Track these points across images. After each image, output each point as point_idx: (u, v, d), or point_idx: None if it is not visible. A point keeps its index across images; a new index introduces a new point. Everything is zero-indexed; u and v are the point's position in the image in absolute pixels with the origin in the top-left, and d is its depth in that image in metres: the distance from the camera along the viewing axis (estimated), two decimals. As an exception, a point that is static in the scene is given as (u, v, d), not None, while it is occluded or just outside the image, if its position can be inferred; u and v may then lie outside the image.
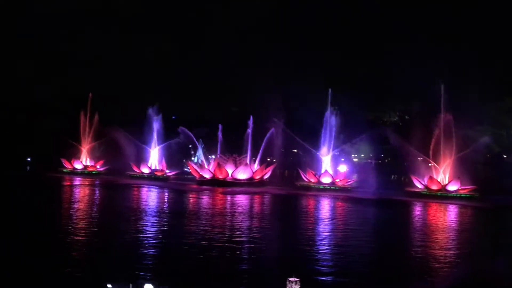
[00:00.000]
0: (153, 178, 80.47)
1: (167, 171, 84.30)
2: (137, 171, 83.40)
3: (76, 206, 45.12)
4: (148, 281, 13.44)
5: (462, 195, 62.50)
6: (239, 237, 30.83)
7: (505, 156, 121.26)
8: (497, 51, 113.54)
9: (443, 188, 64.24)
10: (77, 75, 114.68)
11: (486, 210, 52.83)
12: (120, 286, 13.70)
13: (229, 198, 57.50)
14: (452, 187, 63.77)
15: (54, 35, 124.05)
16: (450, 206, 54.91)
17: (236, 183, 71.65)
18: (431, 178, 65.70)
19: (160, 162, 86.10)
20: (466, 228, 41.10)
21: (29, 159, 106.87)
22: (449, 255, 27.83)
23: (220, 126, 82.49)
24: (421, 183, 66.49)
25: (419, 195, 63.23)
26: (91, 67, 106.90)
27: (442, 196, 62.31)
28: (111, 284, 13.48)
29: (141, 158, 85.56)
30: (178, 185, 72.51)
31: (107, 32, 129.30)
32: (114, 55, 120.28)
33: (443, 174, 67.19)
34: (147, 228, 33.22)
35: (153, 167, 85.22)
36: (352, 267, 23.92)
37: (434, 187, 64.59)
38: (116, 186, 66.79)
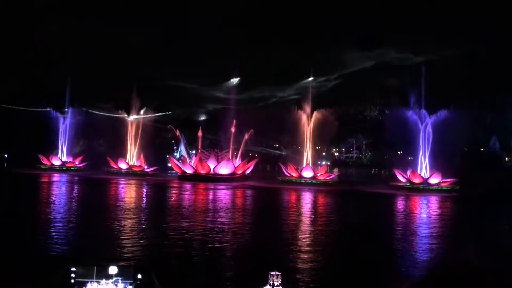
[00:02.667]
0: (131, 174, 78.81)
1: (145, 166, 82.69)
2: (115, 166, 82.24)
3: (53, 203, 44.28)
4: (113, 264, 13.14)
5: (443, 188, 63.56)
6: (220, 232, 30.68)
7: (482, 149, 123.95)
8: (486, 46, 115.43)
9: (425, 181, 65.28)
10: (53, 68, 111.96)
11: (463, 202, 53.89)
12: (85, 268, 13.38)
13: (211, 193, 57.24)
14: (434, 180, 64.80)
15: (29, 27, 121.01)
16: (430, 198, 55.84)
17: (218, 178, 71.36)
18: (413, 171, 66.74)
19: (138, 157, 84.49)
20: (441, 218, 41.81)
21: (6, 155, 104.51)
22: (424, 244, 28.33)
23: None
24: (404, 177, 67.47)
25: (402, 189, 64.15)
26: (66, 60, 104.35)
27: (424, 189, 63.33)
28: (76, 267, 13.15)
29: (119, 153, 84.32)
30: (158, 180, 71.83)
31: (84, 24, 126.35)
32: (91, 48, 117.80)
33: (425, 168, 68.25)
34: (126, 224, 32.83)
35: (130, 163, 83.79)
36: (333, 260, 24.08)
37: (416, 181, 65.54)
38: (95, 183, 65.84)
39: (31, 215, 34.93)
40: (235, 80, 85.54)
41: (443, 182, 64.46)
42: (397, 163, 71.87)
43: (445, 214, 45.55)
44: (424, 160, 68.36)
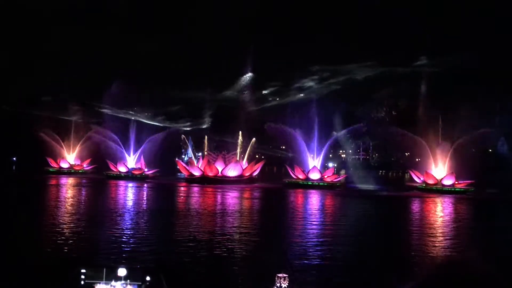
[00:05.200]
0: (131, 177, 77.27)
1: (146, 169, 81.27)
2: (115, 170, 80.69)
3: (59, 206, 44.43)
4: (122, 265, 13.20)
5: (457, 189, 63.60)
6: (229, 235, 30.69)
7: (490, 150, 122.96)
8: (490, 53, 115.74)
9: (439, 182, 65.43)
10: (59, 73, 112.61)
11: (471, 203, 53.69)
12: (94, 270, 13.45)
13: (221, 195, 57.04)
14: (448, 182, 64.98)
15: (37, 32, 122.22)
16: (439, 199, 55.56)
17: (225, 180, 71.31)
18: (427, 173, 67.23)
19: (138, 160, 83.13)
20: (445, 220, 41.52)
21: (14, 158, 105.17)
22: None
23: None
24: (420, 178, 67.84)
25: (416, 189, 64.84)
26: (72, 65, 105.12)
27: (438, 190, 63.46)
28: (85, 269, 13.20)
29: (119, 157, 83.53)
30: (164, 183, 71.33)
31: (91, 30, 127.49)
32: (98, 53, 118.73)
33: (438, 169, 68.66)
34: (134, 227, 32.91)
35: (130, 166, 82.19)
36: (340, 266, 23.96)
37: (431, 182, 66.03)
38: (100, 186, 65.74)
39: (32, 220, 34.83)
40: (248, 77, 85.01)
41: (458, 183, 64.59)
42: (406, 165, 72.05)
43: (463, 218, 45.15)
44: (437, 162, 68.62)
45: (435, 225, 38.42)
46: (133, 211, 41.68)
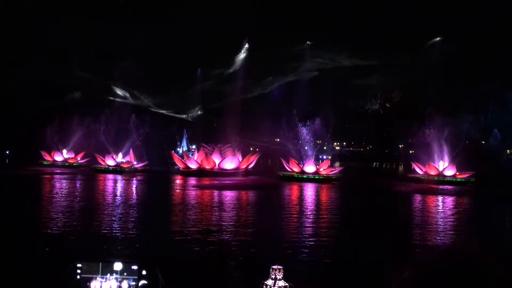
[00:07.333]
0: (119, 171, 75.49)
1: (135, 162, 80.00)
2: (103, 163, 79.43)
3: (51, 201, 44.15)
4: (118, 259, 13.01)
5: (458, 180, 65.01)
6: (225, 228, 30.66)
7: (483, 142, 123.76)
8: (475, 41, 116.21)
9: (440, 173, 66.78)
10: (52, 66, 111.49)
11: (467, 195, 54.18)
12: (90, 264, 13.21)
13: (218, 189, 56.79)
14: (449, 172, 66.66)
15: (31, 24, 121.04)
16: (441, 190, 56.30)
17: (222, 173, 71.29)
18: (429, 164, 68.66)
19: (126, 153, 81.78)
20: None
21: (7, 152, 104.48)
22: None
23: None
24: (421, 169, 68.73)
25: (417, 181, 65.56)
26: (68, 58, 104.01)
27: (439, 181, 64.63)
28: (80, 263, 12.98)
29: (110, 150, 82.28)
30: (157, 176, 70.57)
31: (87, 22, 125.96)
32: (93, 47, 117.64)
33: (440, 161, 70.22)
34: (131, 221, 32.76)
35: (118, 159, 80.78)
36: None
37: (432, 172, 67.51)
38: (92, 179, 65.26)
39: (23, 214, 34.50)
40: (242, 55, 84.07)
41: (460, 174, 65.79)
42: (400, 157, 72.86)
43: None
44: (432, 154, 69.78)
45: (438, 216, 38.63)
46: (125, 205, 41.40)
